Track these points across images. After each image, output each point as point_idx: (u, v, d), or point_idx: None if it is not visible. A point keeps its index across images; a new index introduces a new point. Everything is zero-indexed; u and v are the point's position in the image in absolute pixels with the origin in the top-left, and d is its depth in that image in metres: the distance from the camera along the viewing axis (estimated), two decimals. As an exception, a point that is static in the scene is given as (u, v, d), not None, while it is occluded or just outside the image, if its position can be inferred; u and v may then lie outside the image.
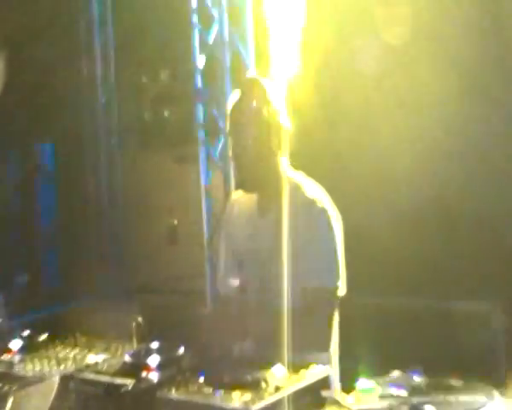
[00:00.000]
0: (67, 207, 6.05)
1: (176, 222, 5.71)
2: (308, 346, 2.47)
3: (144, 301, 5.51)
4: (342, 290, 2.63)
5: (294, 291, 2.55)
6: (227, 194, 5.06)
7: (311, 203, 2.65)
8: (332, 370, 2.50)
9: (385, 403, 1.88)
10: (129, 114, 5.91)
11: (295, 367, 2.05)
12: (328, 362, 2.50)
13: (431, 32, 3.77)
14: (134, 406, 2.03)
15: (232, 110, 2.75)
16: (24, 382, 2.24)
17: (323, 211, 2.65)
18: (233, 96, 2.78)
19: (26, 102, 5.53)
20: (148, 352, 2.27)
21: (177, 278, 5.50)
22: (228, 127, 2.79)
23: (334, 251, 2.62)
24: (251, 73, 2.84)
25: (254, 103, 2.68)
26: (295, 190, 2.69)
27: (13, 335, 2.62)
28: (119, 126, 6.05)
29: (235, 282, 2.78)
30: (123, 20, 5.58)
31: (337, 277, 2.60)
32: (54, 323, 2.68)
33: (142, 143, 5.96)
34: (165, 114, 5.45)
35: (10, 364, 2.39)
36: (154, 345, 2.35)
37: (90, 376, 2.18)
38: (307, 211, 2.63)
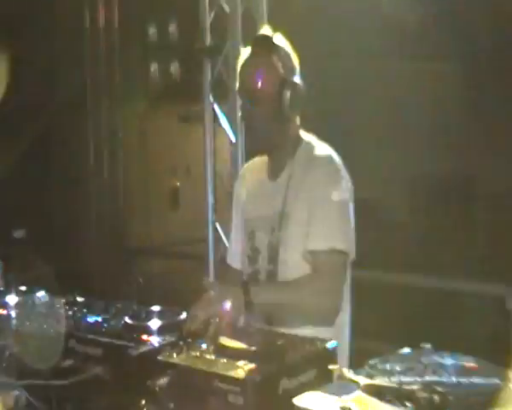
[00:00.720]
0: (69, 166, 6.00)
1: (178, 184, 5.64)
2: (316, 313, 2.40)
3: (144, 264, 5.46)
4: (352, 254, 2.55)
5: (304, 255, 2.47)
6: (233, 157, 4.95)
7: (324, 164, 2.55)
8: (341, 341, 2.43)
9: (395, 380, 1.82)
10: (134, 69, 5.79)
11: (302, 339, 1.98)
12: (336, 331, 2.41)
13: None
14: (134, 368, 1.98)
15: (242, 68, 2.64)
16: (22, 338, 2.20)
17: (337, 171, 2.54)
18: (243, 54, 2.67)
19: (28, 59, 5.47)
20: (149, 315, 2.23)
21: (179, 242, 5.44)
22: (237, 86, 2.68)
23: (346, 212, 2.51)
24: (263, 29, 2.71)
25: (266, 61, 2.57)
26: (308, 151, 2.60)
27: (10, 290, 2.59)
28: (123, 83, 5.94)
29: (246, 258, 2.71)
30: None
31: (348, 239, 2.50)
32: (52, 281, 2.64)
33: (146, 100, 5.85)
34: (172, 70, 5.31)
35: (7, 319, 2.34)
36: (155, 308, 2.30)
37: (90, 336, 2.13)
38: (320, 171, 2.53)
